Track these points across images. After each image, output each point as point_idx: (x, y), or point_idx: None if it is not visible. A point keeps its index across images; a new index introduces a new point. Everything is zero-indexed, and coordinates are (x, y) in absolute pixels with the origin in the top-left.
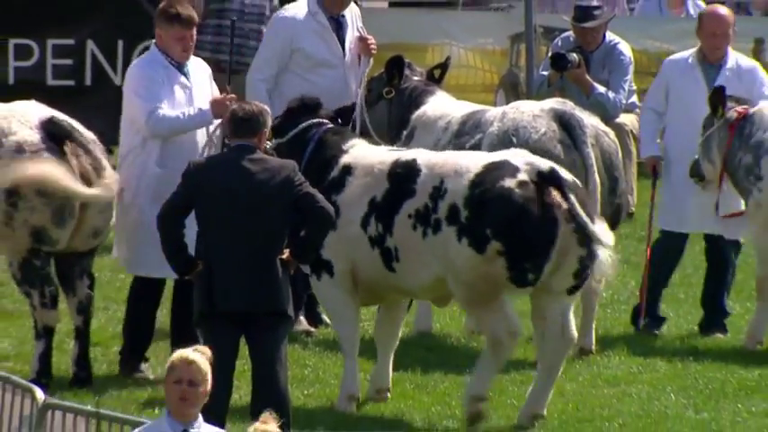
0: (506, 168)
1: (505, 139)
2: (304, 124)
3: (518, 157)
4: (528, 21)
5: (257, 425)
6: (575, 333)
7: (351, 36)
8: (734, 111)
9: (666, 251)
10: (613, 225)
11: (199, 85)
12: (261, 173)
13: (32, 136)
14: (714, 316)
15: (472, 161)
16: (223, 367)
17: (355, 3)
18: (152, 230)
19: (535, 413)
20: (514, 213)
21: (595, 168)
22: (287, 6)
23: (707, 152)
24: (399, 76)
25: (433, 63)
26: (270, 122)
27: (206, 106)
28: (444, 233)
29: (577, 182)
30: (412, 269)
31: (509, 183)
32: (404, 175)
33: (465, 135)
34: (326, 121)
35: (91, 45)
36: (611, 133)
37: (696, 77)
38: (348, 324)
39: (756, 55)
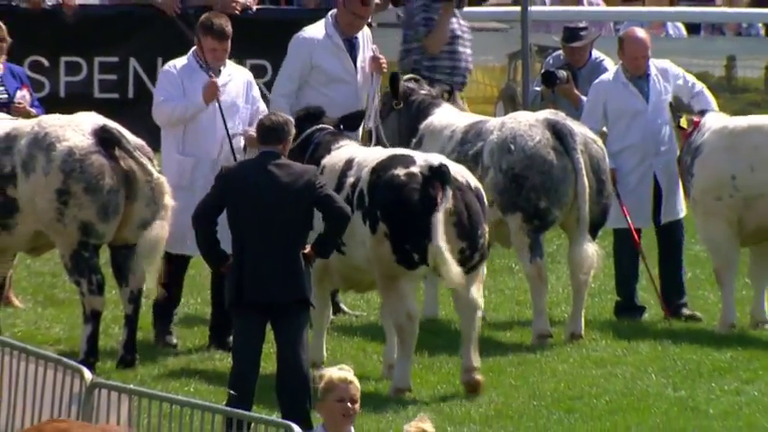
0: (402, 160)
1: (504, 147)
2: (309, 130)
3: (422, 155)
4: (524, 40)
5: (415, 422)
6: (478, 303)
7: (363, 55)
8: (691, 121)
9: (625, 248)
10: (601, 222)
11: (231, 84)
12: (285, 177)
13: (84, 142)
14: (676, 293)
15: (383, 154)
16: (251, 350)
17: (368, 26)
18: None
19: (468, 366)
20: (397, 198)
21: (584, 172)
22: (306, 28)
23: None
24: (397, 89)
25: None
26: (293, 132)
27: (235, 103)
28: (356, 216)
29: (471, 182)
30: (353, 251)
31: (399, 171)
32: (345, 171)
33: (468, 143)
34: (328, 126)
35: (133, 62)
36: (599, 141)
37: (632, 92)
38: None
39: (729, 71)
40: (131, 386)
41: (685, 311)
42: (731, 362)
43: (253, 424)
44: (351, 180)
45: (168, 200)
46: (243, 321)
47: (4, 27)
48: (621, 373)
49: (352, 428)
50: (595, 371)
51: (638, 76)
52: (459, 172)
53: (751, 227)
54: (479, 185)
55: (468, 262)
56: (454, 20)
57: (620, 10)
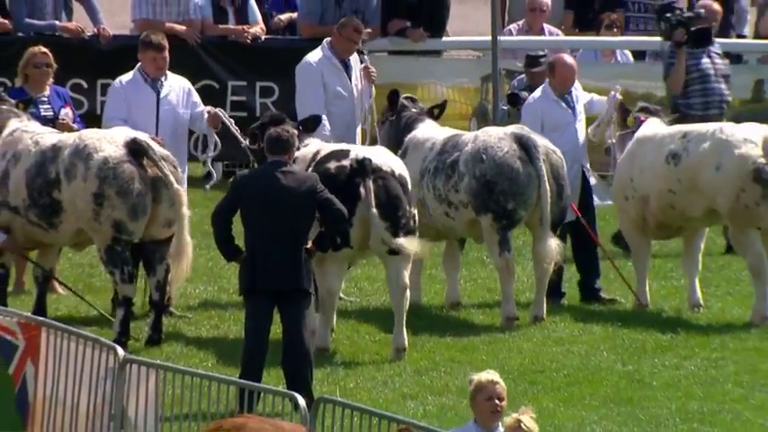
0: (338, 155)
1: (477, 156)
2: None
3: (359, 149)
4: (494, 65)
5: (516, 414)
6: (406, 281)
7: (355, 74)
8: (638, 119)
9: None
10: (560, 221)
11: (171, 95)
12: (291, 182)
13: (117, 152)
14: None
15: (331, 148)
16: (260, 331)
17: (360, 53)
18: None
19: (397, 347)
20: (327, 187)
21: (546, 178)
22: (308, 55)
23: (621, 146)
24: (394, 104)
25: (421, 98)
26: (297, 143)
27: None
28: None
29: (395, 170)
30: None
31: (331, 164)
32: (311, 162)
33: (446, 153)
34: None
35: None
36: (558, 151)
37: (563, 107)
38: None
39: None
40: (158, 361)
41: (603, 295)
42: (671, 341)
43: (262, 394)
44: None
45: (185, 210)
46: (254, 306)
47: (50, 54)
48: (577, 350)
49: (500, 424)
50: (555, 348)
51: (564, 93)
52: (387, 162)
53: (652, 223)
54: (405, 174)
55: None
56: (707, 60)
57: (576, 39)
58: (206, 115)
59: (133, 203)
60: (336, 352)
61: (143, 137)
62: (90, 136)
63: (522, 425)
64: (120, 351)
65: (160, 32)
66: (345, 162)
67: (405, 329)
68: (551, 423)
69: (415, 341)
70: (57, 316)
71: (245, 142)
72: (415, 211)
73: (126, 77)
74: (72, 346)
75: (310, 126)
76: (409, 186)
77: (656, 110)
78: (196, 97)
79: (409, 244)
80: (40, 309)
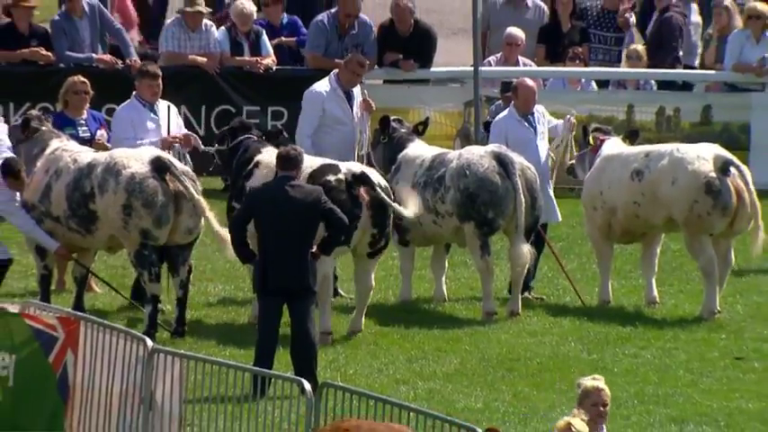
0: (332, 169)
1: (461, 172)
2: (241, 137)
3: (344, 164)
4: (476, 92)
5: (566, 418)
6: (372, 282)
7: (357, 103)
8: (597, 139)
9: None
10: (533, 228)
11: (164, 117)
12: (298, 195)
13: (142, 169)
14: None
15: (319, 163)
16: (272, 324)
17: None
18: None
19: (354, 329)
20: (331, 198)
21: (521, 191)
22: (315, 84)
23: (581, 163)
24: (385, 128)
25: (413, 121)
26: (303, 161)
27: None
28: None
29: (382, 183)
30: None
31: (329, 177)
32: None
33: (434, 169)
34: (254, 136)
35: (183, 109)
36: (533, 168)
37: (525, 126)
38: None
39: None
40: (182, 351)
41: (533, 294)
42: (630, 333)
43: (273, 379)
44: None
45: (208, 213)
46: (266, 303)
47: (88, 83)
48: (549, 341)
49: (604, 426)
50: (529, 339)
51: (527, 113)
52: (375, 176)
53: (618, 230)
54: (389, 187)
55: (377, 244)
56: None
57: (546, 69)
58: (172, 135)
59: (157, 214)
60: (338, 343)
61: (165, 155)
62: (119, 155)
63: (572, 428)
64: (149, 342)
65: (154, 63)
66: (339, 176)
67: (363, 317)
68: (526, 405)
69: (407, 333)
70: (93, 311)
71: (210, 149)
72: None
73: (127, 104)
74: (107, 337)
75: (272, 137)
76: (392, 198)
77: (607, 129)
78: (180, 120)
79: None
80: (79, 305)
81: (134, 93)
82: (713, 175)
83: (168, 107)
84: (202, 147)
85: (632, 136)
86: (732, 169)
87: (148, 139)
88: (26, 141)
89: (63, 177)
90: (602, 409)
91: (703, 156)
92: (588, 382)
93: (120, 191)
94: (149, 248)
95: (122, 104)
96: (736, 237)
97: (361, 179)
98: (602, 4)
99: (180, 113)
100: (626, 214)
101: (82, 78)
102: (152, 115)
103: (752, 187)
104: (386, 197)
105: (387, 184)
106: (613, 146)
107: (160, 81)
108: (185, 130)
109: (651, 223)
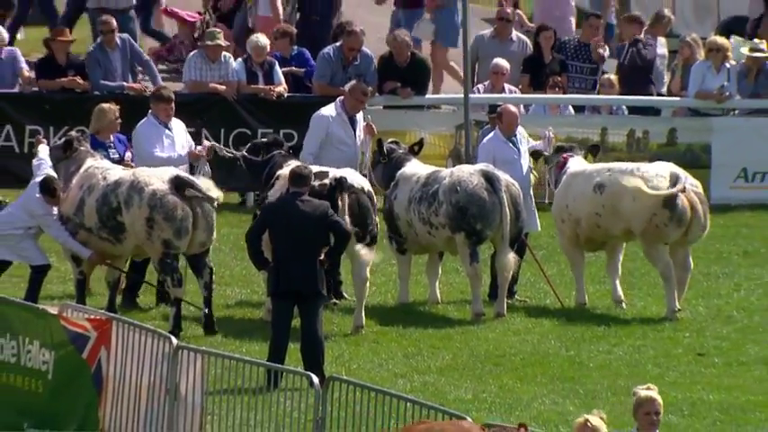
0: (319, 176)
1: (453, 188)
2: (274, 152)
3: (335, 171)
4: (466, 117)
5: (585, 415)
6: (367, 274)
7: (360, 127)
8: (561, 156)
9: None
10: (517, 238)
11: (177, 134)
12: (308, 209)
13: (163, 186)
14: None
15: (316, 169)
16: (284, 324)
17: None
18: None
19: (357, 324)
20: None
21: (506, 206)
22: (322, 108)
23: (551, 178)
24: (380, 149)
25: (409, 143)
26: (313, 178)
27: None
28: None
29: (365, 187)
30: None
31: (315, 182)
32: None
33: (428, 185)
34: (284, 151)
35: (204, 132)
36: (517, 184)
37: (509, 147)
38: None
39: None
40: (204, 348)
41: (517, 297)
42: (604, 332)
43: (284, 373)
44: None
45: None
46: (278, 305)
47: (117, 109)
48: (531, 339)
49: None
50: (513, 338)
51: (510, 136)
52: (358, 181)
53: (583, 239)
54: (371, 190)
55: (362, 241)
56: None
57: (529, 96)
58: (198, 148)
59: (177, 226)
60: (343, 341)
61: (184, 174)
62: (143, 173)
63: (588, 423)
64: (174, 340)
65: (167, 88)
66: (326, 180)
67: (363, 312)
68: (510, 396)
69: (404, 332)
70: (123, 312)
71: (236, 154)
72: (378, 220)
73: (146, 122)
74: (136, 336)
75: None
76: (375, 200)
77: (570, 147)
78: (189, 137)
79: (365, 253)
80: (111, 307)
81: (150, 111)
82: (670, 190)
83: (185, 129)
84: (225, 152)
85: (593, 150)
86: (686, 184)
87: (166, 154)
88: (65, 160)
89: (94, 193)
90: (654, 417)
91: (661, 173)
92: (642, 392)
93: (143, 206)
94: (171, 257)
95: (141, 122)
96: (691, 245)
97: (341, 184)
98: (578, 38)
99: (201, 135)
100: (588, 225)
101: (114, 106)
102: (167, 132)
103: (705, 200)
104: (367, 199)
105: (370, 189)
106: (578, 163)
107: (173, 104)
108: (192, 143)
109: (611, 233)
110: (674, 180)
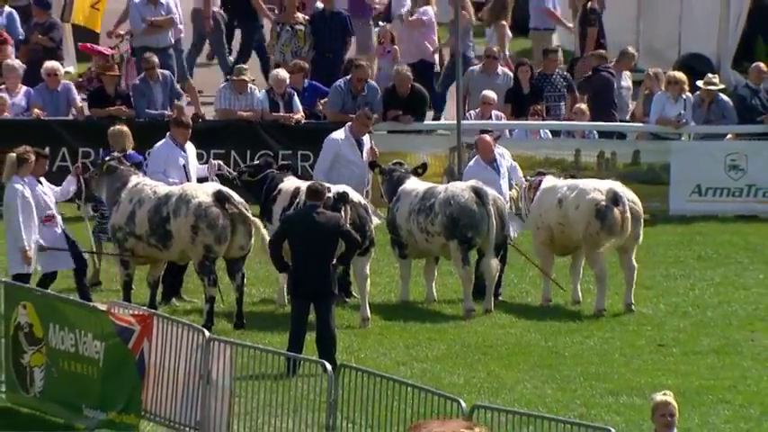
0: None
1: (447, 201)
2: (266, 171)
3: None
4: (458, 140)
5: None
6: (367, 272)
7: (366, 148)
8: (537, 178)
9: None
10: (502, 246)
11: (190, 155)
12: (322, 220)
13: (207, 199)
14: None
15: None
16: (301, 320)
17: (368, 132)
18: None
19: (363, 317)
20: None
21: (493, 217)
22: (333, 133)
23: (525, 194)
24: (376, 169)
25: (409, 162)
26: (327, 194)
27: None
28: None
29: (362, 201)
30: None
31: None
32: (294, 193)
33: (426, 199)
34: (275, 170)
35: (233, 153)
36: (502, 198)
37: (489, 170)
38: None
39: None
40: (232, 340)
41: (501, 298)
42: (578, 326)
43: (302, 362)
44: (297, 200)
45: (263, 231)
46: (296, 303)
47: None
48: (514, 332)
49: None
50: (499, 330)
51: (489, 161)
52: (355, 195)
53: (557, 244)
54: (367, 203)
55: (362, 245)
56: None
57: (513, 122)
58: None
59: (218, 233)
60: (352, 333)
61: (225, 188)
62: (189, 188)
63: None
64: (207, 333)
65: (185, 114)
66: (329, 194)
67: (368, 305)
68: (497, 381)
69: (405, 326)
70: (162, 309)
71: (233, 173)
72: (373, 228)
73: (163, 143)
74: (174, 329)
75: (286, 168)
76: (371, 212)
77: (545, 172)
78: (195, 156)
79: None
80: (152, 304)
81: (168, 134)
82: (603, 203)
83: (195, 151)
84: (227, 172)
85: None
86: (624, 199)
87: (176, 178)
88: (109, 176)
89: (145, 205)
90: (669, 419)
91: (599, 188)
92: (659, 397)
93: (189, 215)
94: (210, 260)
95: (160, 142)
96: (631, 251)
97: (343, 198)
98: (541, 71)
99: (230, 156)
100: (555, 232)
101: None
102: (182, 153)
103: (640, 214)
104: (364, 211)
105: (366, 203)
106: (549, 181)
107: (189, 129)
108: (200, 166)
109: (573, 240)
110: (612, 195)
